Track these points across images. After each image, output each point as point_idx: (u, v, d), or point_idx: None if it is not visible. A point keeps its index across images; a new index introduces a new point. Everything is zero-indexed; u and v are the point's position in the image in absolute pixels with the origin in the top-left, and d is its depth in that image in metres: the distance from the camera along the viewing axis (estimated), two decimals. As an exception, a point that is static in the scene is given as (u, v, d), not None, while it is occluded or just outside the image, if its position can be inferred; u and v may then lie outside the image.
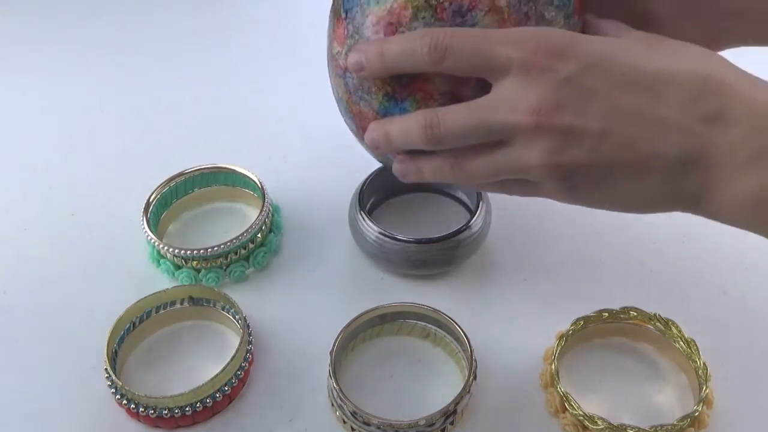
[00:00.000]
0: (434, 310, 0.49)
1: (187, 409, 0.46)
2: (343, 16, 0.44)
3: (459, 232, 0.53)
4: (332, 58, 0.47)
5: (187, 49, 0.79)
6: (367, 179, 0.57)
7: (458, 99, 0.42)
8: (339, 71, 0.46)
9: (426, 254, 0.53)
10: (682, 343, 0.47)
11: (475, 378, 0.46)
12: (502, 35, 0.39)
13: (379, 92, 0.44)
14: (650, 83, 0.37)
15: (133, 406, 0.46)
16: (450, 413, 0.45)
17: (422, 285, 0.54)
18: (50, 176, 0.65)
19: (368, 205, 0.57)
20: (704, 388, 0.44)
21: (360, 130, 0.47)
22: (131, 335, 0.50)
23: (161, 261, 0.54)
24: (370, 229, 0.54)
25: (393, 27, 0.42)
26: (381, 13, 0.42)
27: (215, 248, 0.53)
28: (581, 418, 0.44)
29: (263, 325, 0.52)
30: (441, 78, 0.42)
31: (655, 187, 0.39)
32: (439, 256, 0.53)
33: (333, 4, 0.47)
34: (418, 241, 0.53)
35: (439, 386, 0.48)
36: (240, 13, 0.83)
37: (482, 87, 0.41)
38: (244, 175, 0.58)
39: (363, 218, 0.54)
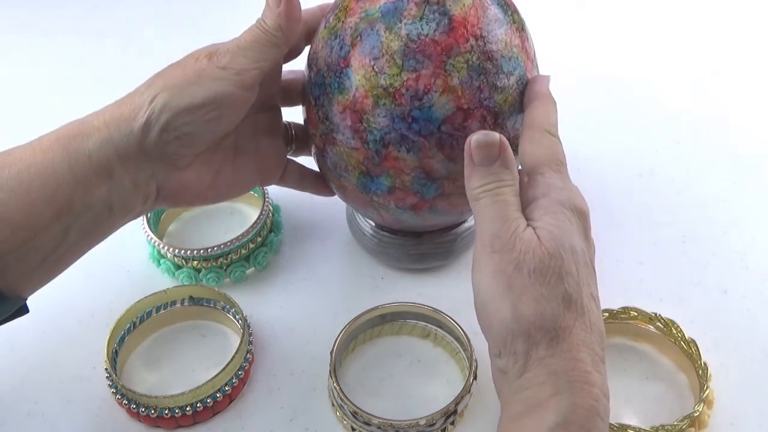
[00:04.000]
0: (435, 309, 0.49)
1: (188, 409, 0.46)
2: (312, 102, 0.47)
3: (456, 225, 0.53)
4: (309, 136, 0.49)
5: (186, 48, 0.78)
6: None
7: (428, 172, 0.45)
8: (317, 150, 0.48)
9: (424, 247, 0.53)
10: (682, 343, 0.47)
11: (475, 378, 0.46)
12: None
13: (355, 170, 0.46)
14: None
15: (133, 406, 0.46)
16: (450, 413, 0.45)
17: (423, 284, 0.54)
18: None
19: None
20: (705, 388, 0.44)
21: (345, 200, 0.50)
22: (131, 335, 0.50)
23: (161, 261, 0.54)
24: (368, 223, 0.54)
25: (358, 114, 0.44)
26: (345, 102, 0.44)
27: (215, 248, 0.53)
28: (582, 417, 0.44)
29: (263, 325, 0.52)
30: (410, 154, 0.44)
31: None
32: (437, 249, 0.54)
33: (303, 89, 0.49)
34: (416, 235, 0.53)
35: (439, 386, 0.48)
36: (240, 11, 0.83)
37: (450, 158, 0.44)
38: (244, 175, 0.58)
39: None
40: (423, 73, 0.42)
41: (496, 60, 0.43)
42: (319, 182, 0.53)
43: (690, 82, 0.72)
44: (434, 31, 0.42)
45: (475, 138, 0.39)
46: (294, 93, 0.50)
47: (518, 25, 0.45)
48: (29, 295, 0.43)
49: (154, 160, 0.43)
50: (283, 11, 0.43)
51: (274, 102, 0.51)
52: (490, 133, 0.39)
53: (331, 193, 0.53)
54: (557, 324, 0.36)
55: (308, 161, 0.52)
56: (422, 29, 0.42)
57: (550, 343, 0.36)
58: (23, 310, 0.43)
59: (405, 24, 0.43)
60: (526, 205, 0.39)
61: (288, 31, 0.43)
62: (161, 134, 0.42)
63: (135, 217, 0.46)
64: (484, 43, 0.43)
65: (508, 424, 0.36)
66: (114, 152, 0.42)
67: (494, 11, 0.44)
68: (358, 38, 0.43)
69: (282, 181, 0.52)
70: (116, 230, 0.45)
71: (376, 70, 0.43)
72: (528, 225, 0.38)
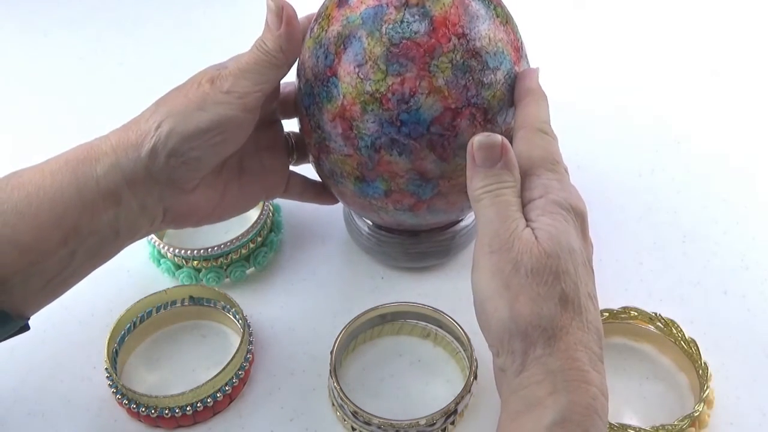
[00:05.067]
0: (435, 309, 0.49)
1: (188, 408, 0.46)
2: (304, 112, 0.47)
3: (454, 223, 0.53)
4: (305, 145, 0.49)
5: (186, 49, 0.79)
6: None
7: (422, 173, 0.44)
8: (314, 158, 0.49)
9: (422, 246, 0.53)
10: (682, 343, 0.47)
11: (475, 377, 0.46)
12: None
13: (350, 176, 0.46)
14: None
15: (133, 405, 0.46)
16: (451, 413, 0.45)
17: (422, 283, 0.54)
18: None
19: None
20: (705, 388, 0.44)
21: (346, 204, 0.51)
22: (131, 335, 0.50)
23: (161, 261, 0.54)
24: (365, 223, 0.54)
25: (347, 122, 0.44)
26: (334, 110, 0.44)
27: (215, 248, 0.53)
28: (582, 417, 0.44)
29: (263, 325, 0.52)
30: (402, 157, 0.44)
31: None
32: (435, 248, 0.54)
33: (295, 99, 0.49)
34: (413, 234, 0.53)
35: (439, 386, 0.48)
36: (240, 11, 0.83)
37: (442, 158, 0.44)
38: (245, 175, 0.58)
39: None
40: (407, 76, 0.42)
41: (480, 57, 0.43)
42: (321, 192, 0.53)
43: (690, 82, 0.72)
44: (415, 33, 0.42)
45: (477, 139, 0.39)
46: (291, 105, 0.51)
47: (502, 19, 0.45)
48: (32, 315, 0.43)
49: (161, 184, 0.44)
50: (284, 33, 0.43)
51: (275, 117, 0.51)
52: (492, 135, 0.39)
53: (335, 202, 0.53)
54: (554, 323, 0.36)
55: (311, 170, 0.52)
56: (403, 32, 0.42)
57: (547, 342, 0.36)
58: (25, 327, 0.44)
59: (386, 28, 0.43)
60: (523, 206, 0.39)
61: (289, 52, 0.44)
62: (168, 160, 0.43)
63: (140, 239, 0.46)
64: (467, 40, 0.43)
65: (508, 422, 0.36)
66: (121, 177, 0.42)
67: (475, 7, 0.44)
68: (342, 46, 0.44)
69: (286, 194, 0.53)
70: (120, 251, 0.45)
71: (361, 76, 0.43)
72: (527, 225, 0.38)
